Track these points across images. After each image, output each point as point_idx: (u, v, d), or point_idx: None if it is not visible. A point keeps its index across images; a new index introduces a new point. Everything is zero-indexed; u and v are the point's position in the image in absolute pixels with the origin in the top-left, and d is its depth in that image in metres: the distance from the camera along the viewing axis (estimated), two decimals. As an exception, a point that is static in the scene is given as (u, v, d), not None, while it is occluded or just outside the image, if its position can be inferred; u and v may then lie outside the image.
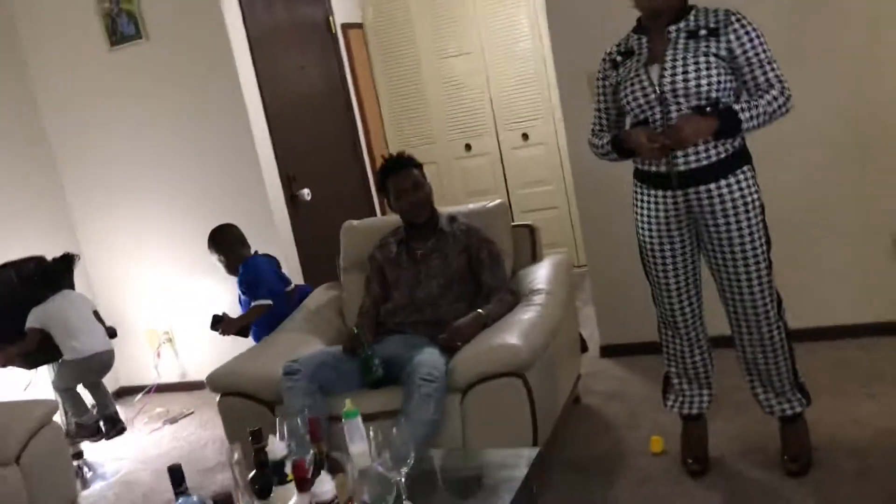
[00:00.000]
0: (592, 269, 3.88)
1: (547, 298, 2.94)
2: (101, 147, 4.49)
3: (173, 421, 4.21)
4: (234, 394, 2.94)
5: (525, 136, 5.52)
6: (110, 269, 4.68)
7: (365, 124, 5.44)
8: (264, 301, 3.52)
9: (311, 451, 1.97)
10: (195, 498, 1.74)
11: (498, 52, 5.45)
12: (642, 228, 2.56)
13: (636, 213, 2.58)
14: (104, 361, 3.91)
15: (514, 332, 2.66)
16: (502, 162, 5.64)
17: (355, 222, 3.49)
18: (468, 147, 5.68)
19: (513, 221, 5.32)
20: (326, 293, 3.48)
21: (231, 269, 3.67)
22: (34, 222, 4.44)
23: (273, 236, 4.05)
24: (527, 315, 2.82)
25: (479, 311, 2.87)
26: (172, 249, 4.47)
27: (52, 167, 4.60)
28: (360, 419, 2.17)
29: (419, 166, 3.12)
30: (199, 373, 3.62)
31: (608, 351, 3.87)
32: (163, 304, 4.59)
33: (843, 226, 3.44)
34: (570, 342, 3.22)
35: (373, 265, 3.19)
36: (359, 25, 5.60)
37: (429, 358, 2.64)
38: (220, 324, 3.56)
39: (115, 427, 4.05)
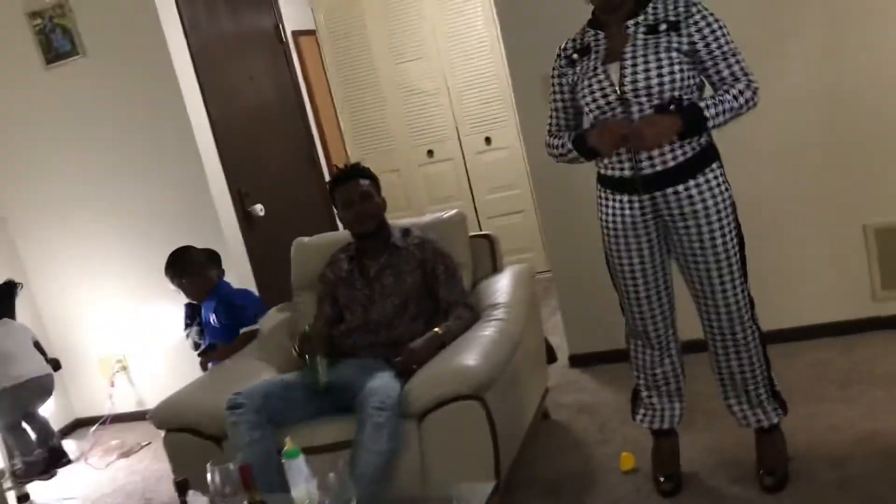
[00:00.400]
0: (557, 276, 3.74)
1: (507, 313, 2.79)
2: (42, 168, 4.29)
3: (128, 454, 4.02)
4: (179, 429, 2.76)
5: (488, 141, 5.38)
6: (58, 296, 4.47)
7: (322, 134, 5.27)
8: (254, 326, 3.27)
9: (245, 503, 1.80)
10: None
11: (455, 55, 5.31)
12: (608, 235, 2.42)
13: (601, 219, 2.44)
14: (42, 385, 3.73)
15: (471, 352, 2.50)
16: (466, 167, 5.50)
17: (306, 239, 3.32)
18: (430, 153, 5.53)
19: (479, 228, 5.32)
20: (278, 316, 3.30)
21: (198, 294, 3.45)
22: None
23: (224, 255, 3.86)
24: (486, 332, 2.67)
25: (436, 330, 2.72)
26: (121, 273, 4.27)
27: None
28: (302, 459, 2.01)
29: (372, 178, 2.95)
30: (157, 400, 3.44)
31: (577, 361, 3.73)
32: (115, 331, 4.39)
33: (814, 220, 3.33)
34: (534, 356, 3.08)
35: (324, 284, 3.03)
36: (311, 32, 5.42)
37: (381, 384, 2.48)
38: (214, 354, 3.35)
39: (60, 460, 3.87)
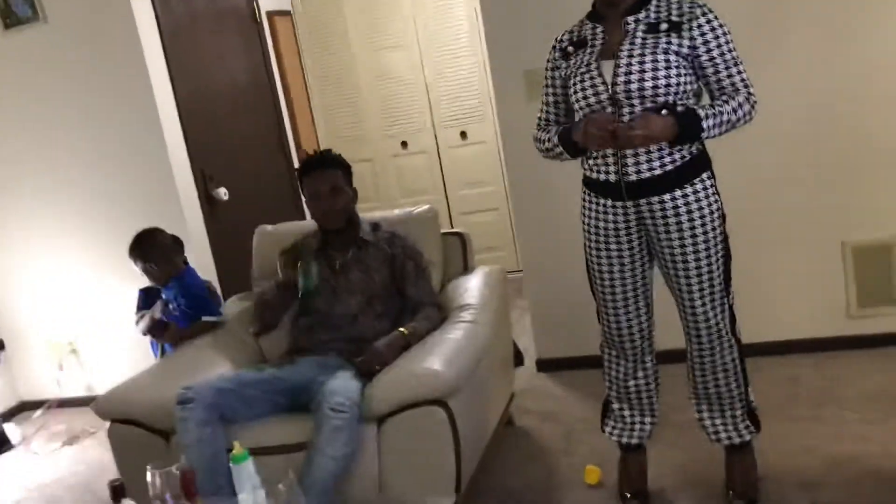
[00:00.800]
0: (528, 278, 3.64)
1: (476, 315, 2.68)
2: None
3: (74, 441, 3.84)
4: (125, 421, 2.61)
5: (464, 135, 5.26)
6: (5, 274, 4.27)
7: (293, 119, 5.11)
8: (216, 317, 3.07)
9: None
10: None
11: (435, 46, 5.18)
12: (589, 240, 2.32)
13: (584, 222, 2.33)
14: None
15: (437, 355, 2.39)
16: (440, 161, 5.37)
17: (270, 227, 3.18)
18: (405, 144, 5.40)
19: (451, 224, 5.21)
20: (238, 305, 3.15)
21: (163, 279, 3.26)
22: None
23: (184, 239, 3.69)
24: (453, 334, 2.56)
25: (402, 329, 2.60)
26: (76, 253, 4.08)
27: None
28: (250, 464, 1.88)
29: (345, 168, 2.80)
30: (107, 387, 3.28)
31: (545, 365, 3.63)
32: (66, 313, 4.20)
33: (793, 234, 3.26)
34: (502, 360, 2.97)
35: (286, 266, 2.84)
36: (286, 14, 5.26)
37: (341, 385, 2.35)
38: (165, 332, 3.17)
39: (1, 446, 3.69)
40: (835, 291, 3.26)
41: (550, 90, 2.34)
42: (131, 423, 2.59)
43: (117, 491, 1.63)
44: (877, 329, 3.23)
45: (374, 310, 2.73)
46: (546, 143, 2.32)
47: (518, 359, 3.38)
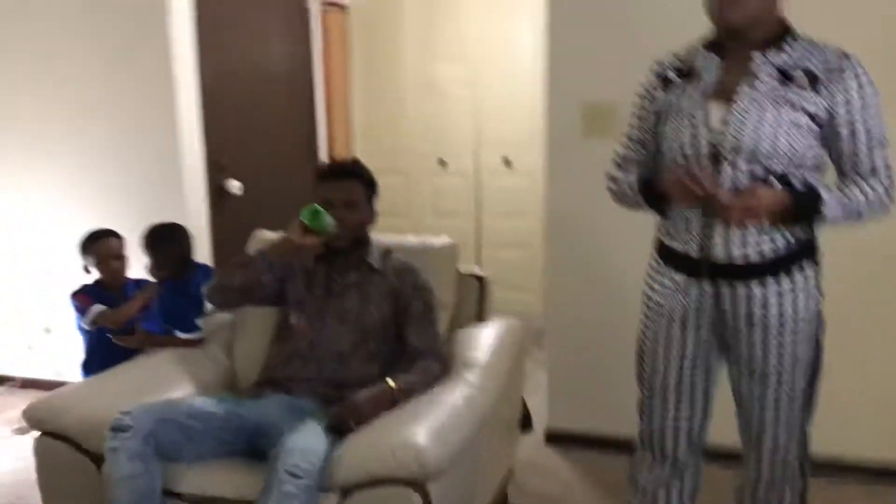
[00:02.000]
0: (551, 330, 3.20)
1: (482, 378, 2.26)
2: None
3: (25, 431, 3.47)
4: (55, 435, 2.23)
5: (507, 162, 4.86)
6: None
7: (330, 118, 4.75)
8: (197, 336, 2.72)
9: None
10: None
11: (491, 64, 4.80)
12: (649, 318, 1.92)
13: (647, 295, 1.93)
14: None
15: (424, 425, 1.96)
16: (478, 186, 4.98)
17: (269, 233, 2.79)
18: (442, 163, 5.01)
19: (478, 254, 4.80)
20: (216, 320, 2.75)
21: (169, 273, 2.92)
22: None
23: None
24: (451, 397, 2.14)
25: (391, 382, 2.18)
26: (62, 228, 3.73)
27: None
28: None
29: (368, 183, 2.42)
30: (75, 376, 2.95)
31: (555, 438, 3.18)
32: (44, 291, 3.85)
33: (878, 342, 2.77)
34: (504, 430, 2.54)
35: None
36: (342, 7, 4.91)
37: (304, 441, 1.94)
38: (132, 335, 2.83)
39: None
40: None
41: (638, 123, 1.93)
42: (62, 440, 2.21)
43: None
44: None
45: (367, 348, 2.33)
46: (620, 185, 1.93)
47: (525, 422, 2.94)
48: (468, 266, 2.72)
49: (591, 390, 3.08)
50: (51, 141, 3.68)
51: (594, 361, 3.06)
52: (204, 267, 3.04)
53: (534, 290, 4.70)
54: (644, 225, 2.02)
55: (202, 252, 3.57)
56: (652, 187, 1.82)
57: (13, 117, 3.72)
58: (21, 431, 3.47)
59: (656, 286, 1.89)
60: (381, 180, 2.49)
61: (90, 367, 2.97)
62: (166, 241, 2.93)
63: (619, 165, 1.98)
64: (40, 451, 2.25)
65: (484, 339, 2.45)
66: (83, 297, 2.96)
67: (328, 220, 2.19)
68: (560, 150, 3.03)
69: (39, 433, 2.26)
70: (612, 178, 1.97)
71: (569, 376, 3.16)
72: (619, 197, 1.96)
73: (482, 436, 2.20)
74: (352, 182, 2.39)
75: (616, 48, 2.87)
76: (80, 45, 3.53)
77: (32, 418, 2.26)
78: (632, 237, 2.86)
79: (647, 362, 1.94)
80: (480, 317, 2.62)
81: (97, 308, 2.88)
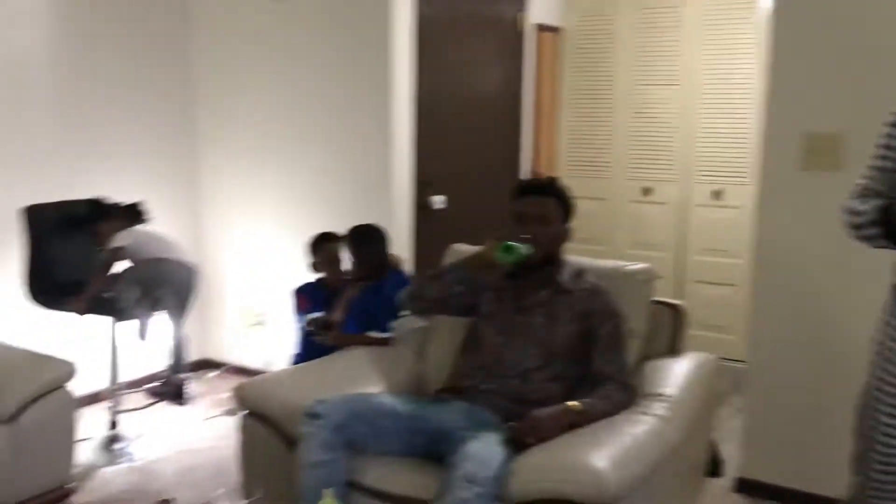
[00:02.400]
0: (753, 375, 3.01)
1: (670, 411, 2.17)
2: (237, 101, 4.17)
3: (233, 413, 3.78)
4: (259, 416, 2.41)
5: (717, 195, 4.65)
6: (214, 234, 4.35)
7: (536, 140, 4.80)
8: (388, 335, 2.86)
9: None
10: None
11: (708, 91, 4.62)
12: (887, 367, 1.78)
13: (881, 343, 1.81)
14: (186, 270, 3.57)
15: (605, 449, 1.92)
16: (684, 218, 4.80)
17: (464, 247, 2.85)
18: (646, 191, 4.89)
19: (680, 289, 4.63)
20: (410, 324, 2.85)
21: (359, 275, 3.12)
22: (167, 178, 4.22)
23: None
24: (636, 428, 2.07)
25: (572, 404, 2.15)
26: (284, 227, 4.05)
27: (192, 122, 4.31)
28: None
29: (563, 201, 2.42)
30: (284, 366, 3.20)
31: (747, 487, 2.98)
32: (260, 285, 4.19)
33: None
34: (689, 471, 2.43)
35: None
36: (555, 30, 4.96)
37: (482, 450, 1.96)
38: (329, 332, 3.01)
39: (179, 398, 3.75)
40: None
41: (885, 152, 1.81)
42: (264, 421, 2.39)
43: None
44: None
45: (552, 368, 2.31)
46: (859, 216, 1.79)
47: (714, 468, 2.78)
48: (663, 295, 2.63)
49: (792, 442, 2.86)
50: (275, 144, 4.05)
51: (799, 410, 2.85)
52: (398, 273, 3.16)
53: (736, 330, 4.45)
54: (868, 269, 1.86)
55: (404, 263, 3.71)
56: (892, 220, 1.68)
57: (248, 117, 4.12)
58: (230, 413, 3.78)
59: (893, 330, 1.73)
60: (580, 205, 2.48)
61: (300, 359, 3.16)
62: (365, 239, 3.11)
63: (859, 195, 1.84)
64: (244, 429, 2.45)
65: (676, 372, 2.36)
66: (302, 298, 3.20)
67: (522, 251, 2.23)
68: (775, 184, 2.87)
69: (245, 412, 2.44)
70: (849, 210, 1.83)
71: (768, 423, 2.96)
72: (853, 229, 1.82)
73: (664, 470, 2.10)
74: (547, 199, 2.40)
75: (843, 76, 2.67)
76: (313, 61, 3.87)
77: (240, 397, 2.46)
78: (851, 279, 2.66)
79: (881, 414, 1.79)
80: (673, 349, 2.52)
81: (312, 315, 3.08)
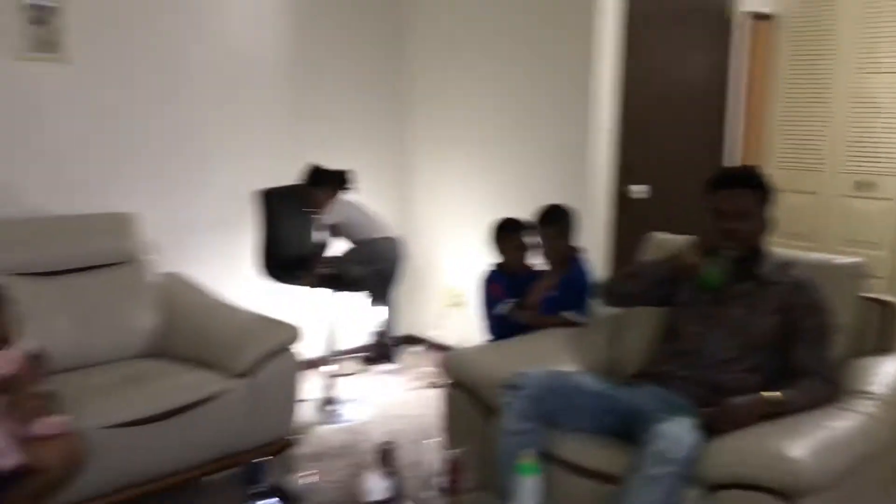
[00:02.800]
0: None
1: (879, 409, 2.11)
2: (446, 91, 4.44)
3: (435, 386, 4.03)
4: (462, 385, 2.60)
5: (947, 191, 4.30)
6: (428, 215, 4.65)
7: (747, 130, 4.67)
8: (581, 318, 2.98)
9: None
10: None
11: (940, 78, 4.28)
12: None
13: None
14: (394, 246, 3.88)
15: (805, 440, 1.92)
16: (906, 214, 4.48)
17: (663, 236, 2.88)
18: (861, 185, 4.59)
19: (891, 292, 4.33)
20: (605, 309, 2.92)
21: (555, 259, 3.20)
22: (383, 165, 4.60)
23: (584, 227, 3.56)
24: (837, 422, 2.04)
25: (769, 394, 2.14)
26: (484, 211, 4.23)
27: (408, 114, 4.64)
28: (536, 481, 1.68)
29: (763, 191, 2.37)
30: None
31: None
32: (463, 265, 4.41)
33: None
34: (891, 474, 2.32)
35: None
36: (768, 17, 4.77)
37: (676, 430, 2.02)
38: (524, 312, 3.16)
39: (386, 358, 4.07)
40: None
41: None
42: (465, 389, 2.57)
43: (386, 455, 1.56)
44: None
45: (750, 359, 2.31)
46: None
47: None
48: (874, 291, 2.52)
49: None
50: (477, 140, 4.28)
51: None
52: (582, 262, 3.22)
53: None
54: None
55: (598, 253, 3.78)
56: None
57: (460, 103, 4.39)
58: (433, 385, 4.03)
59: None
60: (789, 199, 2.43)
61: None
62: (553, 218, 3.19)
63: None
64: (448, 397, 2.64)
65: (885, 370, 2.27)
66: (496, 287, 3.32)
67: (724, 277, 2.29)
68: None
69: (450, 382, 2.64)
70: None
71: None
72: None
73: (865, 469, 2.06)
74: (743, 191, 2.37)
75: None
76: (522, 46, 4.05)
77: (445, 366, 2.66)
78: None
79: None
80: (883, 346, 2.42)
81: (509, 301, 3.22)
